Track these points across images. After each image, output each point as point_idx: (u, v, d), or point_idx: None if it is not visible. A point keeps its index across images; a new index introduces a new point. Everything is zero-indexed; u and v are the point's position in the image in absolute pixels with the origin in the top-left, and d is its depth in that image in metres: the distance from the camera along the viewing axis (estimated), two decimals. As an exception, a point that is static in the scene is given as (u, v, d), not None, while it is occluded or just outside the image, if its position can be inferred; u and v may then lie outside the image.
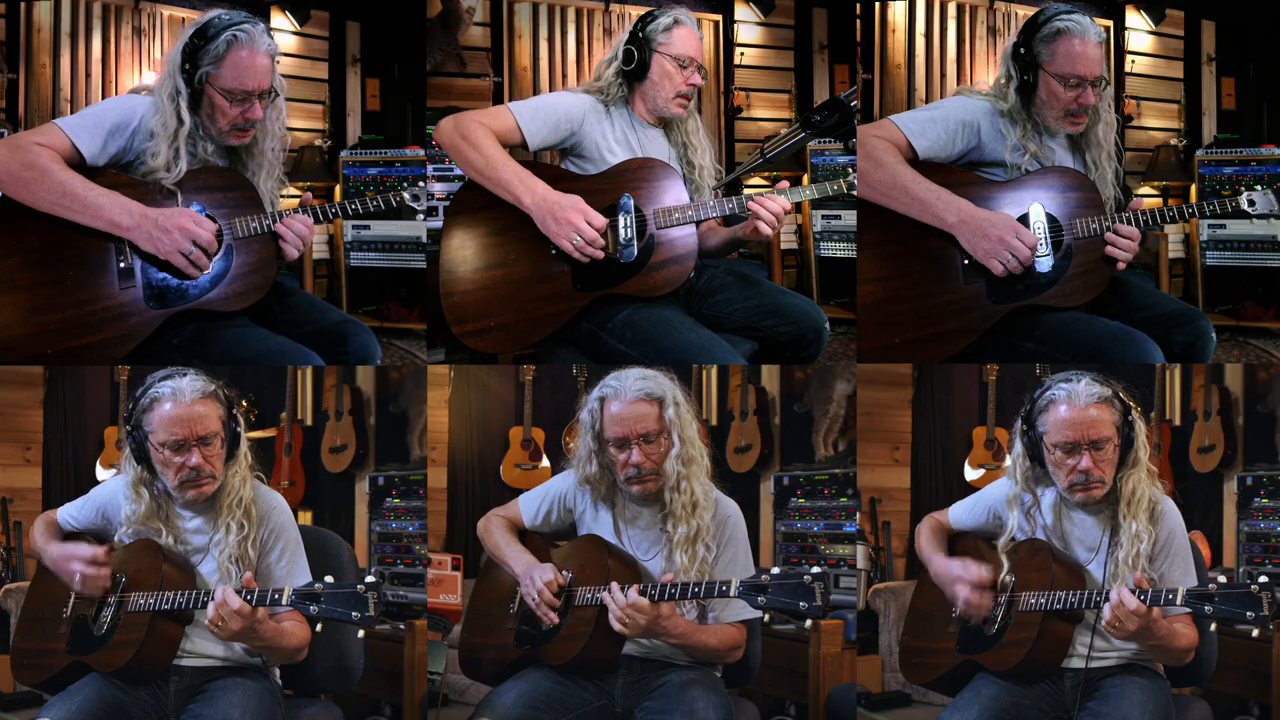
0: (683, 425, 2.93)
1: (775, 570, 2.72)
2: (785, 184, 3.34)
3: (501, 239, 3.31)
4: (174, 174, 3.15)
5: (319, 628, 2.72)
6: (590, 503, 3.02)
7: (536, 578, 2.93)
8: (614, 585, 2.80)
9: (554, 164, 3.47)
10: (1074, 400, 2.81)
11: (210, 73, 3.13)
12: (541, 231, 3.25)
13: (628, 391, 2.92)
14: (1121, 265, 3.24)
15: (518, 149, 3.34)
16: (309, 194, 3.36)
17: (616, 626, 2.80)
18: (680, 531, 2.89)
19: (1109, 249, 3.23)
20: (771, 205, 3.28)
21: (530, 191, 3.24)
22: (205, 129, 3.19)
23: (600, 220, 3.24)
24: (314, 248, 5.00)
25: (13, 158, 3.10)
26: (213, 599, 2.71)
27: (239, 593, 2.70)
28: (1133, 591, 2.66)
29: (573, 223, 3.22)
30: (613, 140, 3.38)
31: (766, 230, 3.30)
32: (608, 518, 3.00)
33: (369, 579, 2.68)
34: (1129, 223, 3.22)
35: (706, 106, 3.47)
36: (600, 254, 3.25)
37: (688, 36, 3.40)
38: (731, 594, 2.73)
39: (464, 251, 3.33)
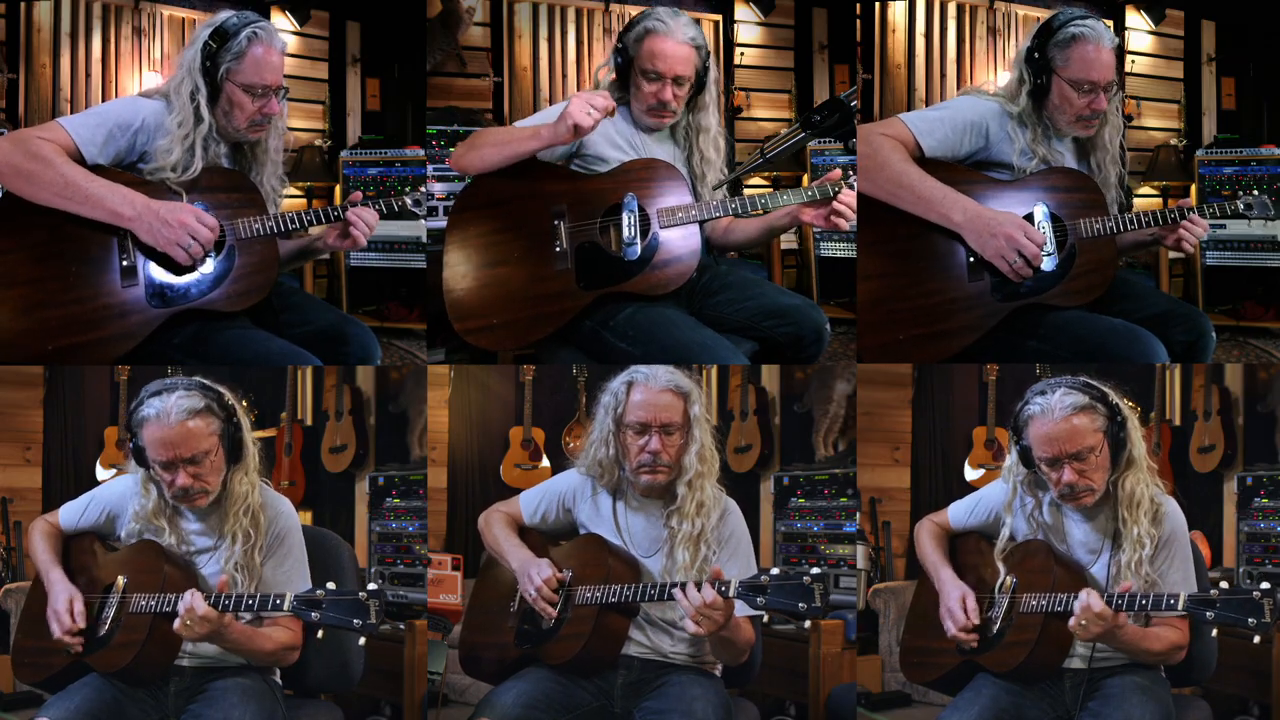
0: (702, 425, 2.94)
1: (775, 570, 2.72)
2: (838, 172, 3.30)
3: (505, 236, 3.31)
4: (188, 173, 3.17)
5: (320, 634, 2.72)
6: (591, 496, 3.02)
7: (534, 574, 2.93)
8: (690, 585, 2.75)
9: (561, 167, 3.45)
10: (1049, 414, 2.79)
11: (231, 68, 3.16)
12: (553, 223, 3.25)
13: (657, 380, 2.94)
14: (1188, 249, 3.31)
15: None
16: (358, 193, 3.39)
17: (692, 629, 2.74)
18: (684, 529, 2.88)
19: (1183, 243, 3.26)
20: (848, 199, 3.26)
21: (544, 123, 3.21)
22: (220, 127, 3.22)
23: (602, 100, 3.18)
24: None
25: (15, 151, 3.11)
26: (181, 601, 2.71)
27: (239, 599, 2.72)
28: (1115, 599, 2.67)
29: (581, 99, 3.15)
30: (608, 146, 3.37)
31: (845, 225, 3.27)
32: (609, 508, 3.00)
33: (371, 586, 2.68)
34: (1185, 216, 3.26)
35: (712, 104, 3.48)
36: (591, 121, 3.15)
37: (659, 48, 3.30)
38: (731, 594, 2.73)
39: (467, 249, 3.33)
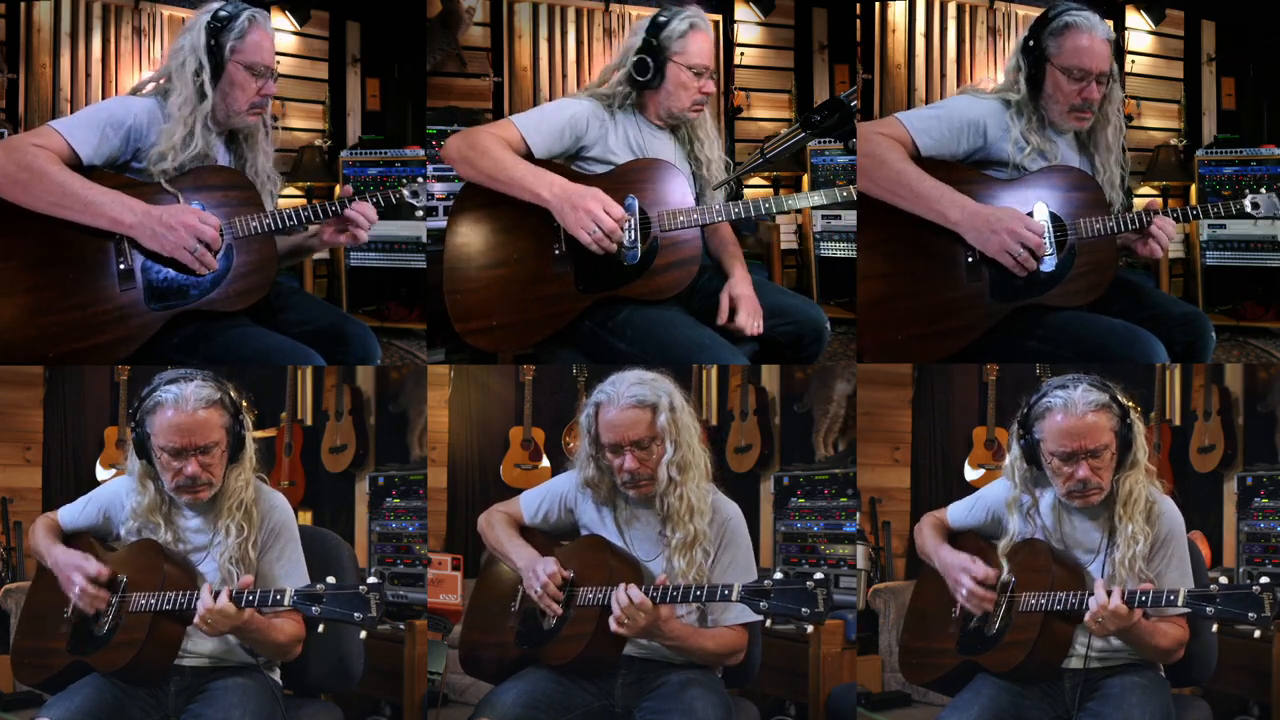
0: (678, 430, 2.91)
1: (778, 575, 2.72)
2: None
3: (506, 237, 3.31)
4: (187, 153, 3.16)
5: (321, 629, 2.72)
6: (593, 505, 3.02)
7: (540, 570, 2.93)
8: (623, 585, 2.79)
9: (563, 165, 3.45)
10: (1071, 409, 2.80)
11: (236, 46, 3.19)
12: (554, 225, 3.24)
13: (621, 398, 2.91)
14: (1159, 255, 3.26)
15: (522, 158, 3.31)
16: (349, 187, 3.37)
17: (614, 625, 2.80)
18: (677, 536, 2.88)
19: (1151, 243, 3.22)
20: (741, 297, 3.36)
21: (548, 185, 3.24)
22: (217, 112, 3.21)
23: (619, 211, 3.23)
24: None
25: (10, 160, 3.10)
26: (199, 598, 2.72)
27: (240, 594, 2.72)
28: (1127, 595, 2.68)
29: (591, 211, 3.20)
30: (616, 145, 3.37)
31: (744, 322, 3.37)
32: (610, 520, 3.00)
33: (371, 580, 2.69)
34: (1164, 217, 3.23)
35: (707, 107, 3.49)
36: (614, 246, 3.24)
37: (702, 43, 3.36)
38: (734, 598, 2.73)
39: (468, 249, 3.33)
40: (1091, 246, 3.25)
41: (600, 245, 3.22)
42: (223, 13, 3.20)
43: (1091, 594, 2.73)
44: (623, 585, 2.79)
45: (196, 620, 2.72)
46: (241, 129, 3.28)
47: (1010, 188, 3.27)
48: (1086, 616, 2.71)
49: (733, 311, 3.36)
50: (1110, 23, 5.12)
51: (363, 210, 3.26)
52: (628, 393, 2.91)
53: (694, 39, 3.35)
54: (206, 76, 3.17)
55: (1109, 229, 3.24)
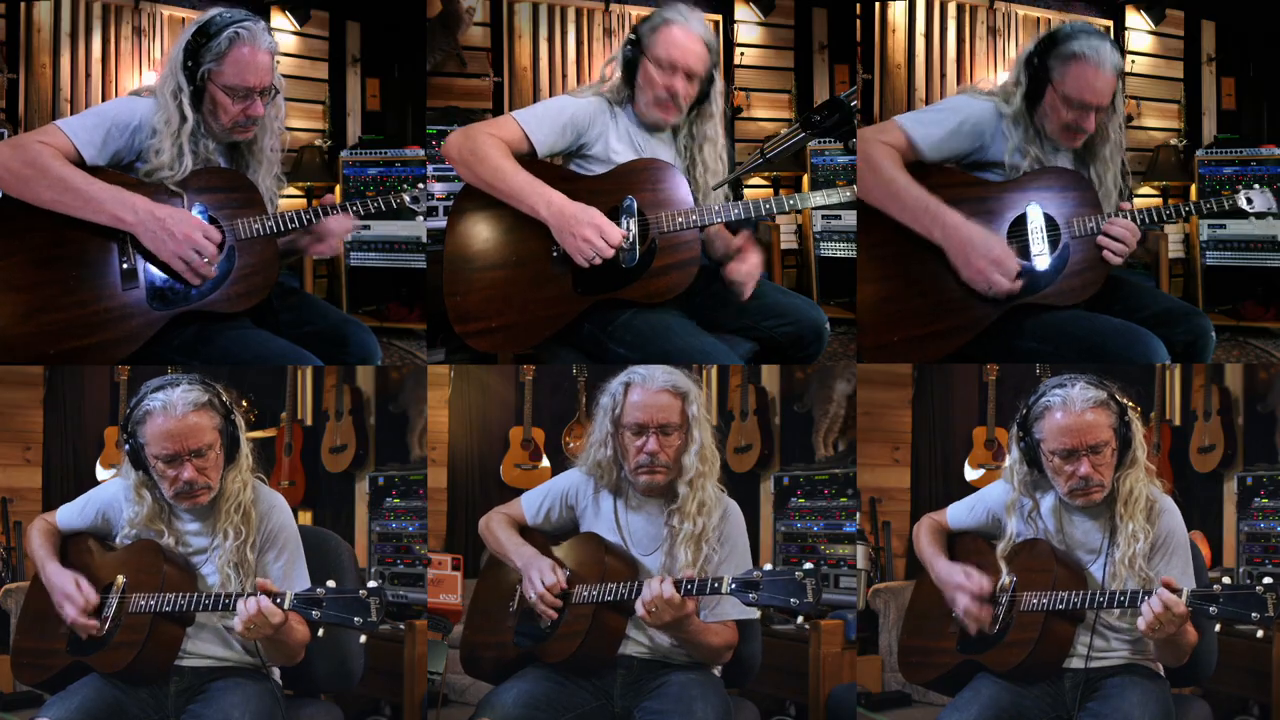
0: (702, 425, 2.94)
1: (767, 567, 2.72)
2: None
3: (505, 239, 3.31)
4: (178, 172, 3.16)
5: (320, 632, 2.72)
6: (593, 495, 3.02)
7: (537, 578, 2.93)
8: (657, 579, 2.78)
9: (559, 164, 3.45)
10: (1070, 406, 2.80)
11: (212, 69, 3.14)
12: (547, 232, 3.24)
13: (654, 380, 2.94)
14: (1118, 262, 3.23)
15: (524, 156, 3.30)
16: (330, 195, 3.38)
17: (640, 612, 2.78)
18: (686, 528, 2.89)
19: (1104, 253, 3.22)
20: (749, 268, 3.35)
21: (546, 203, 3.22)
22: (207, 126, 3.20)
23: (616, 236, 3.22)
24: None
25: (14, 156, 3.10)
26: (234, 605, 2.70)
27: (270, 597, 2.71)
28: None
29: (590, 240, 3.20)
30: (617, 143, 3.36)
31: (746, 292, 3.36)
32: (609, 507, 3.00)
33: (371, 584, 2.68)
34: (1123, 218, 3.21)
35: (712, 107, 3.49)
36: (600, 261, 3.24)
37: (675, 37, 3.28)
38: (725, 590, 2.73)
39: (468, 251, 3.32)
40: (1085, 245, 3.25)
41: (579, 260, 3.22)
42: (208, 27, 3.14)
43: (1100, 595, 2.74)
44: (657, 579, 2.78)
45: (238, 627, 2.69)
46: (237, 142, 3.27)
47: (1006, 189, 3.27)
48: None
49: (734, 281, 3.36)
50: (1108, 23, 5.14)
51: (329, 225, 3.28)
52: (662, 377, 2.94)
53: (664, 33, 3.28)
54: (185, 98, 3.14)
55: (1100, 228, 3.23)
